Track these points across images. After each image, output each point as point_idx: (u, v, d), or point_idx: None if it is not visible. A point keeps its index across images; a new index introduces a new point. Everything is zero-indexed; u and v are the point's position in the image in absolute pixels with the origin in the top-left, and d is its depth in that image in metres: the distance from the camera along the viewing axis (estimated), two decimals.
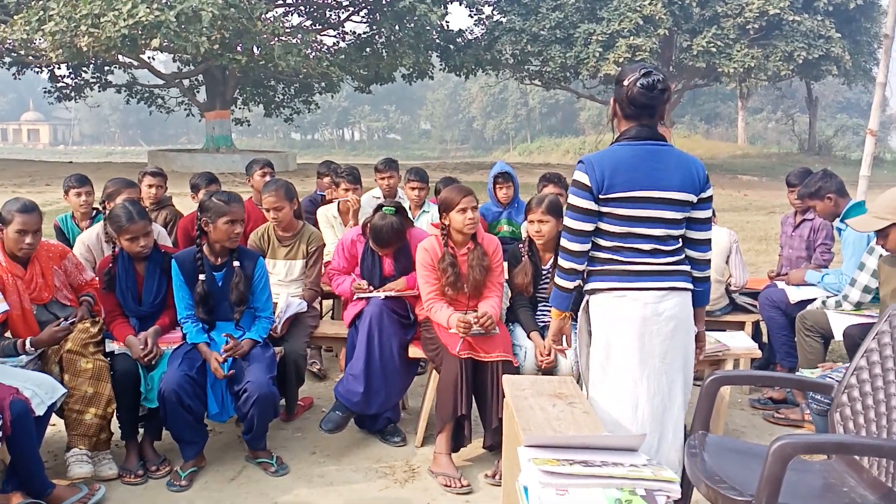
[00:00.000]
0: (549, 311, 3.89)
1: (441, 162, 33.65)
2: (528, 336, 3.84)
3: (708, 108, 48.97)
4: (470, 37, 25.12)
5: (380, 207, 3.98)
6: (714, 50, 21.18)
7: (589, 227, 2.69)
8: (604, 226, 2.70)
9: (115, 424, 3.58)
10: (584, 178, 2.67)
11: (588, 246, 2.71)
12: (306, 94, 28.17)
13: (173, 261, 3.64)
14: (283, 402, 4.02)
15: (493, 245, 3.86)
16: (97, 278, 3.78)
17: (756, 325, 4.79)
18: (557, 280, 2.78)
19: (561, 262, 2.75)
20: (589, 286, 2.76)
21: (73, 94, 25.75)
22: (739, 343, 3.97)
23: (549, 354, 3.71)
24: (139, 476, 3.47)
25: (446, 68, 25.79)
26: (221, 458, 3.72)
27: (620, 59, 20.71)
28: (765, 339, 4.80)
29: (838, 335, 3.97)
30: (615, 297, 2.70)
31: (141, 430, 3.63)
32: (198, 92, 26.59)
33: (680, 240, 2.75)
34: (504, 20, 23.65)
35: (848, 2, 21.50)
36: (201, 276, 3.60)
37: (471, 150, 62.25)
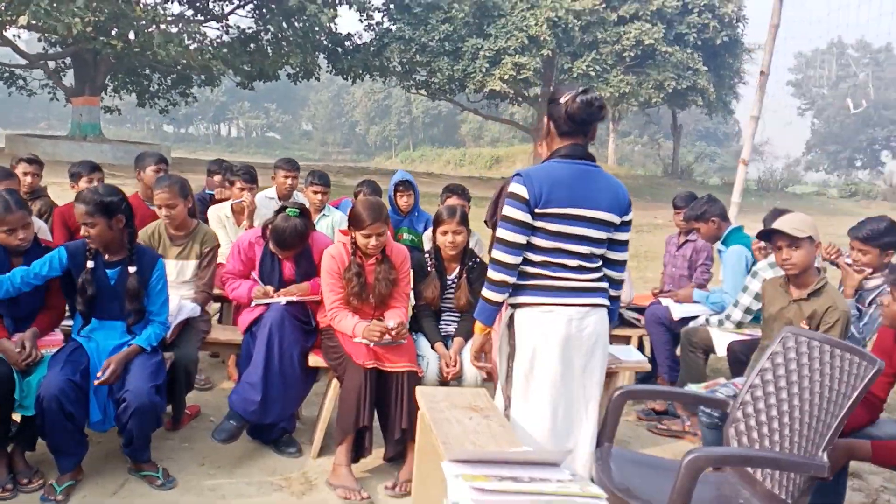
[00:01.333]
0: (454, 321, 3.98)
1: (324, 164, 33.19)
2: (433, 346, 3.83)
3: None
4: (359, 41, 24.98)
5: (283, 209, 3.85)
6: (593, 74, 22.13)
7: (523, 239, 2.70)
8: (535, 240, 2.72)
9: None
10: (522, 191, 2.68)
11: (520, 259, 2.72)
12: (184, 86, 26.96)
13: (63, 248, 3.35)
14: (168, 409, 3.80)
15: (401, 256, 3.81)
16: None
17: (640, 339, 5.00)
18: (487, 293, 2.74)
19: (493, 274, 2.72)
20: (515, 300, 2.77)
21: None
22: (631, 357, 4.13)
23: (455, 365, 3.72)
24: (8, 490, 3.17)
25: (333, 71, 25.50)
26: (101, 471, 3.46)
27: (506, 76, 21.27)
28: (647, 352, 5.02)
29: (721, 351, 4.21)
30: (541, 312, 2.72)
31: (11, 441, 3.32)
32: (64, 75, 24.90)
33: (601, 259, 2.82)
34: (394, 28, 23.72)
35: (715, 38, 23.07)
36: (89, 263, 3.33)
37: (353, 154, 61.91)
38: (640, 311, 5.01)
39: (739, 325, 4.29)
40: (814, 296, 3.43)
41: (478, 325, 2.85)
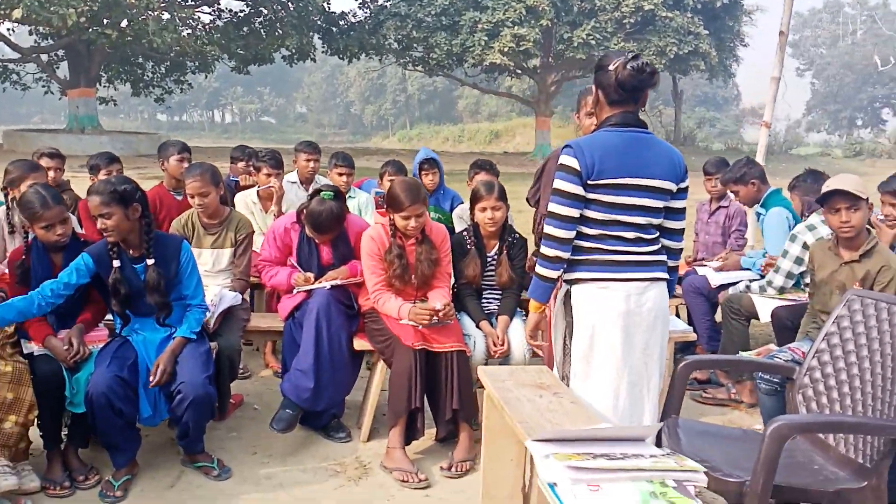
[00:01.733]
0: (496, 298, 3.94)
1: (323, 147, 33.01)
2: (478, 325, 3.80)
3: None
4: (353, 20, 24.71)
5: (317, 192, 3.79)
6: (593, 42, 21.91)
7: (576, 213, 2.61)
8: (589, 213, 2.63)
9: (33, 433, 3.23)
10: (573, 163, 2.59)
11: (574, 233, 2.63)
12: (178, 73, 26.73)
13: (86, 254, 3.27)
14: None
15: (440, 236, 3.77)
16: (7, 272, 3.39)
17: (676, 308, 4.97)
18: (540, 270, 2.67)
19: (545, 250, 2.65)
20: (571, 276, 2.69)
21: None
22: (676, 327, 4.08)
23: (502, 344, 3.69)
24: (66, 488, 3.15)
25: (328, 51, 25.26)
26: (154, 464, 3.44)
27: (505, 49, 21.06)
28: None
29: (765, 317, 4.17)
30: (599, 289, 2.65)
31: (64, 438, 3.30)
32: (58, 68, 24.67)
33: (658, 230, 2.76)
34: (388, 4, 23.47)
35: (714, 0, 22.80)
36: (115, 263, 3.26)
37: (349, 135, 61.60)
38: (678, 280, 4.96)
39: (782, 290, 4.24)
40: (865, 257, 3.38)
41: (532, 303, 2.78)
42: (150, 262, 3.30)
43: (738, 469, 2.41)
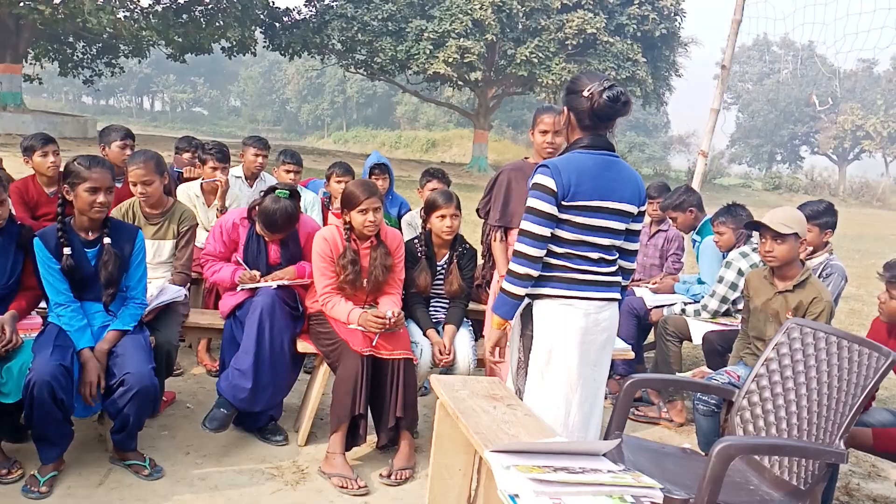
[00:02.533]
0: (443, 307, 3.95)
1: None
2: (425, 333, 3.79)
3: (516, 115, 51.40)
4: (298, 17, 24.41)
5: (272, 189, 3.72)
6: (535, 60, 22.27)
7: (549, 232, 2.67)
8: (560, 232, 2.69)
9: None
10: (549, 183, 2.64)
11: (544, 252, 2.69)
12: (110, 56, 25.85)
13: (36, 239, 3.15)
14: None
15: (395, 241, 3.75)
16: None
17: None
18: (508, 286, 2.70)
19: (516, 267, 2.68)
20: (535, 290, 2.74)
21: None
22: (615, 345, 4.16)
23: (449, 353, 3.69)
24: None
25: (270, 46, 24.87)
26: (82, 460, 3.30)
27: (450, 59, 21.19)
28: None
29: (697, 339, 4.31)
30: (561, 305, 2.72)
31: None
32: None
33: (618, 251, 2.83)
34: (335, 5, 23.29)
35: (653, 30, 23.53)
36: (66, 250, 3.14)
37: (283, 132, 60.75)
38: None
39: (715, 314, 4.40)
40: (799, 287, 3.53)
41: (496, 320, 2.79)
42: (108, 241, 3.21)
43: (680, 487, 2.47)
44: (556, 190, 2.64)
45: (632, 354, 4.22)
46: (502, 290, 2.72)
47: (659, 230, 5.33)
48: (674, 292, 4.84)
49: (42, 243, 3.15)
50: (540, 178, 2.68)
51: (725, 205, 4.57)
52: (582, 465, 1.99)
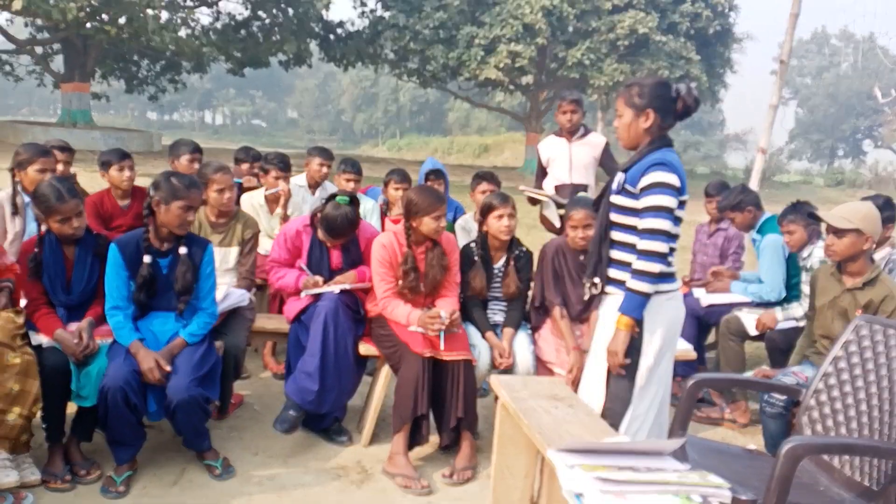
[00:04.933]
0: (501, 310, 3.98)
1: None
2: (483, 336, 3.83)
3: None
4: (351, 28, 24.76)
5: (332, 197, 3.82)
6: (587, 62, 22.08)
7: (674, 229, 2.79)
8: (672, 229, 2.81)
9: (36, 424, 3.21)
10: (675, 181, 2.74)
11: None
12: (173, 73, 26.64)
13: (113, 245, 3.30)
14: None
15: (451, 244, 3.80)
16: (14, 261, 3.37)
17: None
18: (643, 286, 2.73)
19: (651, 266, 2.72)
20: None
21: None
22: (678, 346, 4.13)
23: (508, 356, 3.72)
24: (67, 481, 3.14)
25: (325, 58, 25.28)
26: (157, 461, 3.43)
27: (501, 65, 21.17)
28: None
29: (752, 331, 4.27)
30: (667, 300, 2.83)
31: (66, 432, 3.28)
32: (52, 61, 24.49)
33: None
34: (387, 15, 23.52)
35: (707, 27, 23.08)
36: (146, 259, 3.29)
37: (339, 142, 61.50)
38: None
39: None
40: (868, 285, 3.44)
41: (626, 321, 2.77)
42: (183, 251, 3.34)
43: (747, 487, 2.44)
44: (679, 187, 2.75)
45: (694, 355, 4.18)
46: (636, 290, 2.74)
47: (718, 229, 5.25)
48: (730, 291, 4.76)
49: (118, 250, 3.29)
50: (664, 176, 2.73)
51: (792, 203, 4.46)
52: (647, 464, 1.99)
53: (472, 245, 4.02)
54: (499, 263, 4.02)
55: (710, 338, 5.13)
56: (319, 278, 3.83)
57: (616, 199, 2.86)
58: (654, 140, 2.81)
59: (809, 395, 2.83)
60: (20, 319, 3.14)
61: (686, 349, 4.14)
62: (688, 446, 2.72)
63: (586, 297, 3.09)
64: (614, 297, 2.87)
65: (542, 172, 5.21)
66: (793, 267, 4.55)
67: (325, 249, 3.92)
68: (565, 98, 5.08)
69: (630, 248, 2.82)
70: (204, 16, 23.80)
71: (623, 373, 2.81)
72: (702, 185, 5.45)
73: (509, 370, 3.75)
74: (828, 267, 3.67)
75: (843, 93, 52.09)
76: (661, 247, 2.72)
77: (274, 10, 21.82)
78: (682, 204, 2.80)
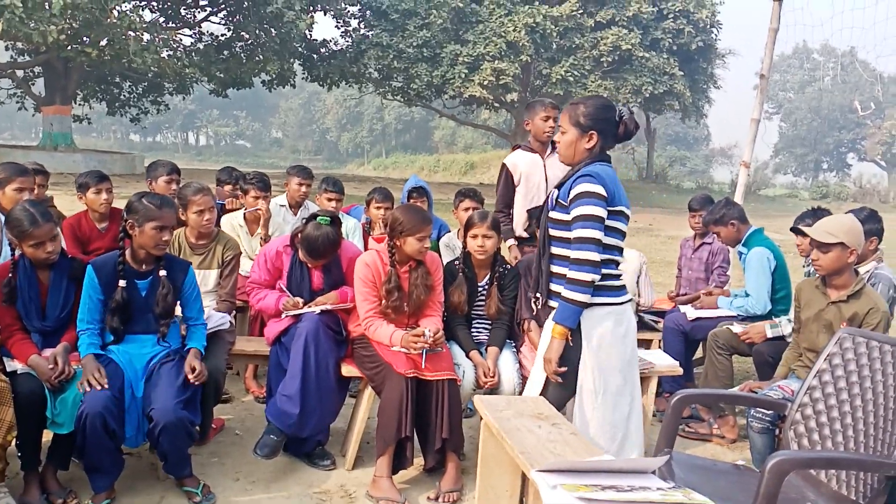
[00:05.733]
0: (485, 329, 3.94)
1: None
2: (467, 355, 3.79)
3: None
4: (335, 48, 24.86)
5: (313, 217, 3.78)
6: (571, 79, 22.28)
7: (603, 237, 2.79)
8: (606, 239, 2.81)
9: (11, 452, 3.14)
10: (601, 190, 2.76)
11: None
12: (155, 94, 26.61)
13: (89, 266, 3.25)
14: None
15: (435, 263, 3.77)
16: None
17: (660, 342, 4.99)
18: (575, 295, 2.75)
19: (582, 275, 2.74)
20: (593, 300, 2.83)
21: None
22: (662, 361, 4.11)
23: (493, 375, 3.68)
24: None
25: (309, 77, 25.35)
26: (134, 488, 3.35)
27: (485, 82, 21.32)
28: None
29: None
30: (607, 313, 2.81)
31: (42, 460, 3.20)
32: (33, 84, 24.42)
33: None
34: (371, 34, 23.65)
35: (689, 43, 23.37)
36: (121, 283, 3.24)
37: (325, 161, 61.59)
38: (659, 314, 5.01)
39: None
40: (853, 297, 3.44)
41: (559, 329, 2.80)
42: (163, 273, 3.31)
43: (733, 503, 2.42)
44: (606, 196, 2.77)
45: (680, 371, 4.14)
46: (568, 299, 2.77)
47: (703, 243, 5.25)
48: (717, 306, 4.75)
49: (94, 272, 3.24)
50: (589, 187, 2.77)
51: (812, 209, 4.45)
52: (630, 482, 1.96)
53: (456, 262, 3.99)
54: (483, 281, 3.98)
55: (697, 353, 5.11)
56: (300, 300, 3.78)
57: (552, 215, 2.92)
58: (592, 155, 2.89)
59: (795, 410, 2.81)
60: None
61: (672, 365, 4.11)
62: (673, 463, 2.69)
63: (534, 313, 3.14)
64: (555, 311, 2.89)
65: (509, 190, 4.61)
66: (779, 280, 4.55)
67: (305, 270, 3.88)
68: (545, 103, 4.55)
69: (567, 260, 2.84)
70: (186, 37, 23.69)
71: (560, 380, 2.83)
72: (688, 201, 5.44)
73: (494, 389, 3.71)
74: (812, 280, 3.66)
75: (826, 106, 52.73)
76: (591, 255, 2.75)
77: (256, 31, 21.88)
78: (618, 215, 2.84)
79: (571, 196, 2.81)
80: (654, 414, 4.28)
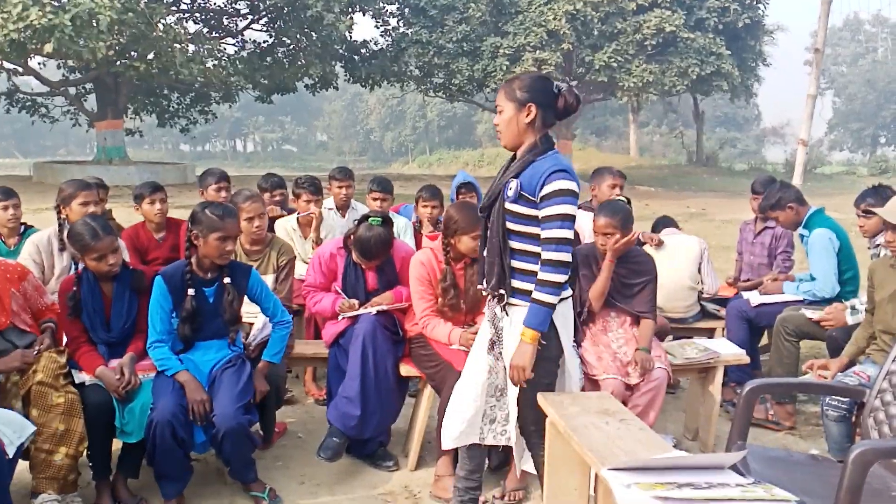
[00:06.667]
0: None
1: None
2: None
3: (598, 122, 50.71)
4: (375, 48, 24.94)
5: (365, 218, 3.77)
6: (615, 65, 21.89)
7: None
8: None
9: (81, 463, 3.21)
10: (575, 187, 2.65)
11: None
12: (202, 104, 27.07)
13: (159, 277, 3.30)
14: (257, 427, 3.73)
15: None
16: (56, 302, 3.39)
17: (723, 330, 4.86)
18: (549, 298, 2.61)
19: (558, 277, 2.61)
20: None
21: None
22: (727, 350, 4.00)
23: None
24: None
25: (351, 79, 25.48)
26: (202, 494, 3.40)
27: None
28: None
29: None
30: (568, 307, 2.82)
31: (112, 469, 3.27)
32: (85, 100, 25.09)
33: None
34: (410, 32, 23.63)
35: (735, 21, 22.75)
36: (190, 291, 3.28)
37: (369, 161, 61.92)
38: (721, 302, 4.88)
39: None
40: None
41: (531, 334, 2.64)
42: (227, 280, 3.34)
43: (815, 497, 2.32)
44: (577, 193, 2.67)
45: (747, 359, 4.03)
46: (542, 302, 2.62)
47: (766, 227, 5.07)
48: (782, 292, 4.59)
49: (164, 282, 3.28)
50: (566, 184, 2.63)
51: (873, 186, 4.27)
52: (707, 479, 1.89)
53: None
54: None
55: (763, 340, 4.96)
56: (355, 301, 3.78)
57: (513, 207, 2.71)
58: (539, 141, 2.71)
59: (874, 396, 2.70)
60: (62, 359, 3.16)
61: (738, 353, 4.00)
62: (749, 456, 2.60)
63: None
64: (519, 309, 2.72)
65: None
66: (844, 261, 4.39)
67: (360, 271, 3.88)
68: (613, 171, 4.79)
69: (532, 256, 2.69)
70: (229, 45, 24.06)
71: (525, 385, 2.71)
72: (742, 183, 5.30)
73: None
74: (887, 260, 3.51)
75: (881, 79, 50.95)
76: (566, 257, 2.62)
77: (297, 35, 22.05)
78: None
79: (545, 192, 2.62)
80: (722, 404, 4.16)
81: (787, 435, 4.22)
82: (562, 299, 2.73)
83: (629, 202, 4.13)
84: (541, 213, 2.64)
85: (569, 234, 2.63)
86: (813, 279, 4.44)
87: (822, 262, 4.38)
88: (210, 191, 4.93)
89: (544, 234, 2.64)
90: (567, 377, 2.88)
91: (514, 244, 2.74)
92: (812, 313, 4.19)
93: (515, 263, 2.73)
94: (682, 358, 3.85)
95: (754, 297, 4.65)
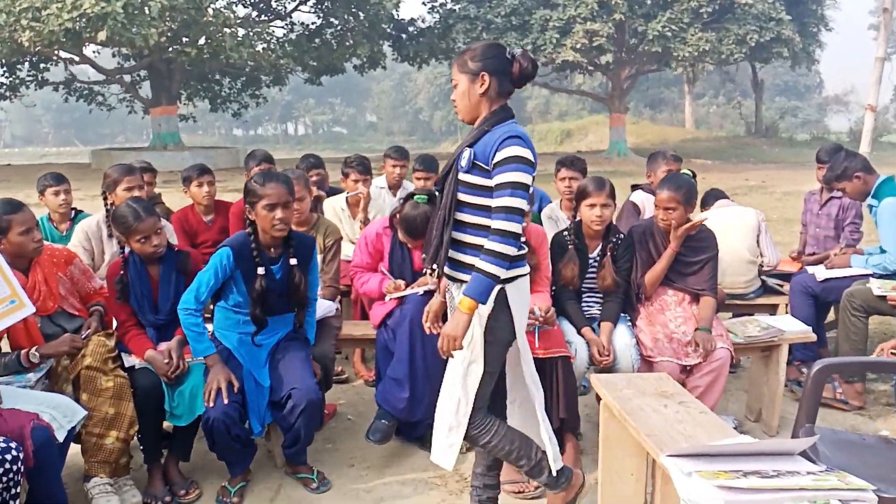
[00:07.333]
0: (597, 303, 3.75)
1: None
2: (579, 332, 3.61)
3: (652, 94, 49.56)
4: (422, 25, 24.77)
5: (410, 196, 3.68)
6: (669, 34, 21.29)
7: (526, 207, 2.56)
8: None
9: (134, 445, 3.23)
10: (529, 155, 2.49)
11: None
12: (253, 88, 27.37)
13: (227, 249, 3.15)
14: None
15: (540, 237, 3.61)
16: (104, 285, 3.41)
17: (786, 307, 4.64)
18: (493, 269, 2.44)
19: (507, 249, 2.44)
20: (512, 273, 2.56)
21: (7, 93, 24.42)
22: (791, 327, 3.81)
23: (608, 353, 3.48)
24: (167, 502, 3.12)
25: (399, 58, 25.41)
26: (254, 477, 3.38)
27: (578, 45, 20.70)
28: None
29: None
30: (525, 284, 2.66)
31: (164, 451, 3.28)
32: (140, 87, 25.61)
33: None
34: (458, 8, 23.40)
35: None
36: (260, 270, 3.16)
37: (419, 141, 61.88)
38: (784, 277, 4.66)
39: None
40: None
41: (468, 303, 2.46)
42: (293, 261, 3.25)
43: (888, 484, 2.17)
44: (534, 162, 2.50)
45: (813, 337, 3.83)
46: (485, 273, 2.44)
47: (832, 198, 4.82)
48: (850, 265, 4.35)
49: (233, 254, 3.13)
50: (521, 151, 2.46)
51: None
52: (776, 467, 1.75)
53: (565, 233, 3.79)
54: (594, 253, 3.77)
55: (829, 317, 4.73)
56: (401, 282, 3.71)
57: (466, 178, 2.55)
58: (495, 111, 2.56)
59: None
60: (111, 342, 3.18)
61: (804, 331, 3.81)
62: (818, 441, 2.44)
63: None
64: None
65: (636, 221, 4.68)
66: None
67: (406, 251, 3.80)
68: (667, 156, 4.70)
69: (484, 230, 2.51)
70: (278, 28, 24.19)
71: (453, 356, 2.57)
72: (804, 154, 5.05)
73: (610, 367, 3.53)
74: None
75: None
76: (516, 227, 2.44)
77: (345, 16, 22.07)
78: (532, 182, 2.53)
79: (497, 159, 2.47)
80: (786, 384, 3.98)
81: (856, 415, 4.01)
82: (518, 276, 2.59)
83: (694, 176, 3.96)
84: (493, 182, 2.50)
85: (521, 203, 2.46)
86: (883, 252, 4.19)
87: (892, 233, 4.13)
88: (252, 172, 4.89)
89: (495, 202, 2.48)
90: (525, 364, 2.73)
91: (467, 217, 2.58)
92: (875, 286, 3.95)
93: (466, 238, 2.59)
94: (744, 336, 3.68)
95: (820, 272, 4.42)
